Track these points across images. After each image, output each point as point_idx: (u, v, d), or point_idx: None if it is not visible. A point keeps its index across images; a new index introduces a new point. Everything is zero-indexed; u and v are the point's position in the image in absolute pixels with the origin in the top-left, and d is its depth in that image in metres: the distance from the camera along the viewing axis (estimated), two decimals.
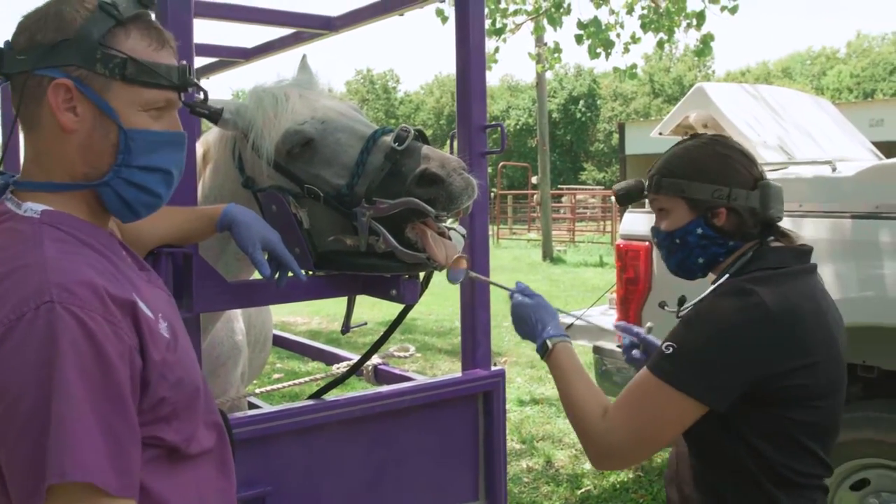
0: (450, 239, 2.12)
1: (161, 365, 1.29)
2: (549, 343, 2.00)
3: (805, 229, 3.60)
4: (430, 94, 64.59)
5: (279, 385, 3.17)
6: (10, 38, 1.38)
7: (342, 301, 2.46)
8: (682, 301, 2.08)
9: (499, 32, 9.99)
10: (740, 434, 1.82)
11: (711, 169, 1.95)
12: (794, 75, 55.90)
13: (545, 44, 12.16)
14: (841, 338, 1.88)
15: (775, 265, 1.87)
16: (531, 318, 2.08)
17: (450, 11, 8.96)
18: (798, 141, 4.99)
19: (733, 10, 9.20)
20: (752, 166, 1.97)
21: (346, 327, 2.48)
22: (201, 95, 1.92)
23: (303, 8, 3.39)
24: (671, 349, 1.79)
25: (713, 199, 1.93)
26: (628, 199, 2.26)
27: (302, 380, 3.13)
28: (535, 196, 25.53)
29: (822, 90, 48.70)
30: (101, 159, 1.36)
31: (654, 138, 6.07)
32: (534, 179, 26.04)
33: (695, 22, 9.41)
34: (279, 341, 4.20)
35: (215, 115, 2.12)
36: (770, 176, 3.98)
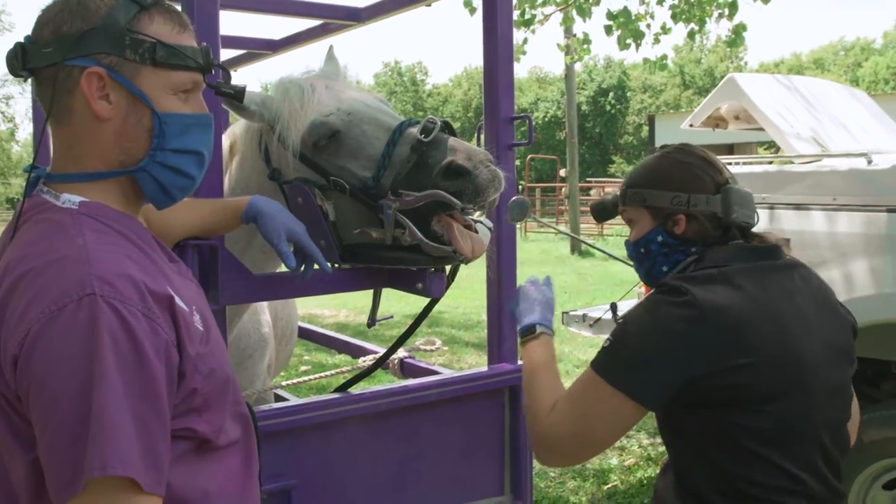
0: (476, 232, 2.09)
1: (195, 358, 1.30)
2: (538, 328, 2.02)
3: (839, 223, 3.55)
4: (458, 86, 64.48)
5: (306, 378, 3.17)
6: (29, 33, 1.38)
7: (369, 294, 2.45)
8: (614, 307, 2.12)
9: (527, 23, 9.92)
10: (692, 440, 1.79)
11: (670, 176, 1.95)
12: (827, 66, 55.16)
13: (574, 35, 12.06)
14: (810, 337, 1.77)
15: (720, 263, 1.82)
16: (537, 301, 2.10)
17: (478, 2, 8.92)
18: (832, 133, 4.91)
19: (766, 0, 9.07)
20: (715, 172, 1.95)
21: (372, 320, 2.47)
22: (225, 77, 1.93)
23: None
24: (608, 343, 1.78)
25: (672, 206, 1.92)
26: (604, 214, 2.26)
27: (328, 372, 3.13)
28: (563, 189, 25.42)
29: (857, 82, 48.01)
30: (136, 145, 1.37)
31: (683, 130, 6.01)
32: (562, 172, 25.91)
33: (727, 12, 9.27)
34: (306, 334, 4.21)
35: (240, 95, 2.11)
36: (803, 168, 3.95)
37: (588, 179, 35.52)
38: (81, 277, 1.18)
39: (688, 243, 1.93)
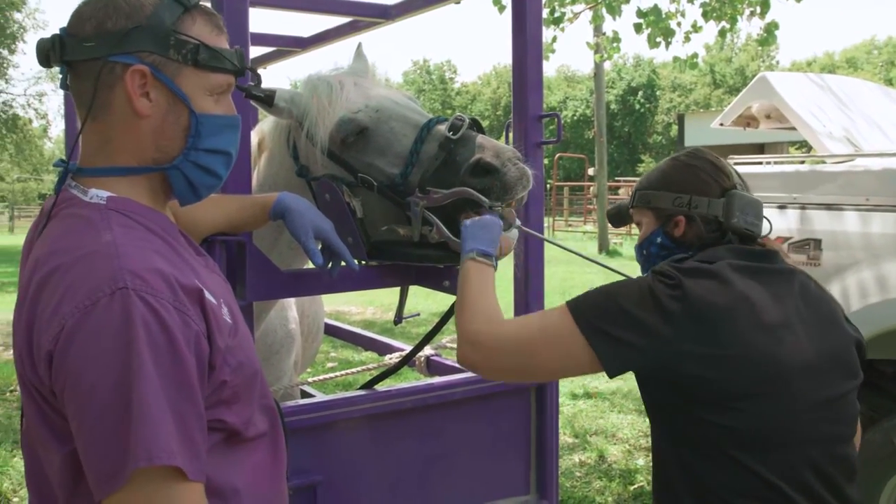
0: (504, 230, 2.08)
1: (225, 350, 1.31)
2: (496, 263, 1.92)
3: (873, 224, 3.49)
4: (487, 84, 64.46)
5: (332, 374, 3.18)
6: (65, 26, 1.38)
7: (396, 291, 2.45)
8: None
9: (556, 22, 9.87)
10: (669, 441, 1.77)
11: (674, 179, 1.95)
12: (860, 65, 54.42)
13: (604, 33, 11.99)
14: (797, 343, 1.72)
15: (710, 259, 1.80)
16: (495, 237, 1.95)
17: (507, 0, 8.90)
18: (866, 132, 4.85)
19: None
20: (722, 177, 1.93)
21: (398, 318, 2.47)
22: (256, 81, 1.95)
23: None
24: (591, 290, 1.77)
25: (674, 207, 1.92)
26: (619, 219, 2.25)
27: (355, 369, 3.14)
28: (591, 188, 25.35)
29: (891, 81, 47.30)
30: (172, 143, 1.39)
31: (713, 129, 5.96)
32: (590, 171, 25.84)
33: (758, 10, 9.15)
34: (333, 330, 4.22)
35: (269, 99, 2.13)
36: (836, 168, 3.89)
37: (617, 178, 35.37)
38: (113, 272, 1.19)
39: (685, 247, 1.93)
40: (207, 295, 1.30)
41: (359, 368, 3.17)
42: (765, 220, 1.94)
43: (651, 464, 1.92)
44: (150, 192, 1.42)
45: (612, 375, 1.71)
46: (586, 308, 1.73)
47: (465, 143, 2.01)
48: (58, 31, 1.38)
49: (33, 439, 1.32)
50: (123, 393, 1.13)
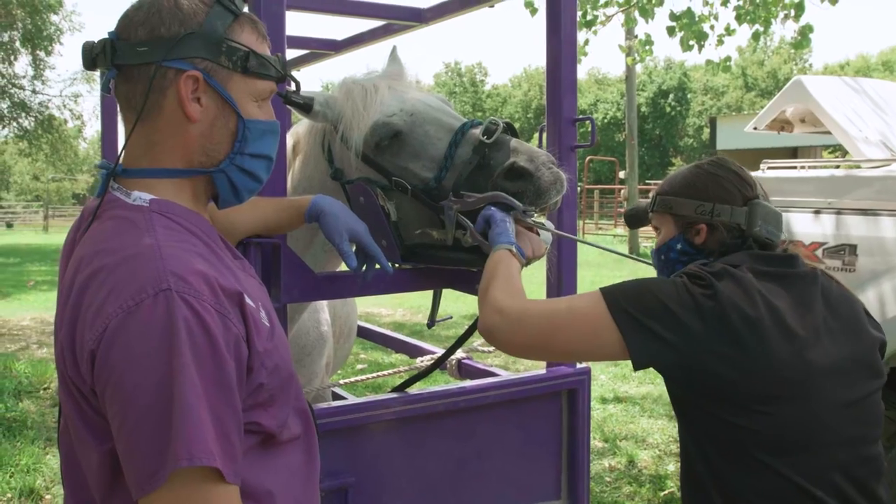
0: (537, 234, 2.08)
1: (262, 354, 1.32)
2: (524, 263, 1.97)
3: None
4: (517, 86, 64.35)
5: (363, 377, 3.19)
6: (114, 30, 1.40)
7: (426, 293, 2.45)
8: None
9: (589, 24, 9.84)
10: (696, 440, 1.78)
11: (697, 186, 1.95)
12: None
13: (636, 36, 11.93)
14: (820, 345, 1.73)
15: (734, 264, 1.81)
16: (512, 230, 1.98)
17: (539, 3, 8.88)
18: None
19: (833, 0, 8.85)
20: (746, 187, 1.94)
21: (431, 321, 2.47)
22: (292, 86, 1.96)
23: (393, 0, 3.39)
24: (625, 281, 1.78)
25: (696, 214, 1.92)
26: (637, 221, 2.28)
27: (386, 372, 3.15)
28: (622, 191, 25.21)
29: None
30: (219, 147, 1.42)
31: (746, 133, 5.93)
32: (621, 174, 25.70)
33: (793, 13, 9.07)
34: (363, 332, 4.23)
35: (307, 105, 2.15)
36: (872, 173, 3.85)
37: (647, 182, 35.13)
38: (156, 273, 1.21)
39: (704, 254, 1.93)
40: (247, 298, 1.31)
41: (390, 371, 3.18)
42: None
43: (680, 468, 1.92)
44: (192, 195, 1.44)
45: (637, 367, 1.71)
46: (622, 296, 1.74)
47: (500, 147, 2.01)
48: (107, 35, 1.40)
49: (71, 437, 1.33)
50: (165, 394, 1.14)
